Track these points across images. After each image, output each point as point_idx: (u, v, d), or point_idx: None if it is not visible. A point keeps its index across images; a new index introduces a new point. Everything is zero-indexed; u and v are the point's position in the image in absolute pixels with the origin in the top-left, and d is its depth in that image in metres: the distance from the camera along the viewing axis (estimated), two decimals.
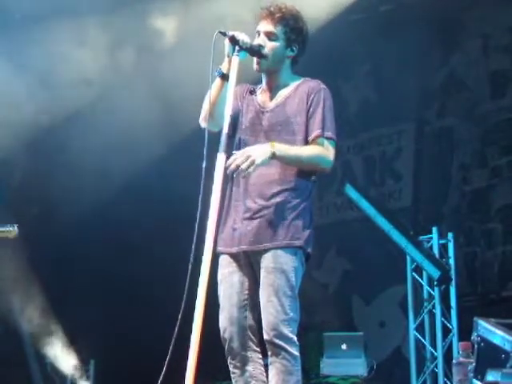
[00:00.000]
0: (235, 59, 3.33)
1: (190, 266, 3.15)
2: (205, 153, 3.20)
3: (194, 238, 3.16)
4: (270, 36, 3.50)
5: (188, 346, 2.99)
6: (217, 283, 3.47)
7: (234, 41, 3.33)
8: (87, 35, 6.47)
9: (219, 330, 3.48)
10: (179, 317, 3.14)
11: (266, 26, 3.51)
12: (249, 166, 3.23)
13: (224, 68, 3.41)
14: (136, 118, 6.68)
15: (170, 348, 3.18)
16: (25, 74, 6.31)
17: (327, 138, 3.45)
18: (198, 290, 3.02)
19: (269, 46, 3.49)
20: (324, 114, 3.47)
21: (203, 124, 3.47)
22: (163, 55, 6.69)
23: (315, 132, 3.45)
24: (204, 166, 3.18)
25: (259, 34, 3.51)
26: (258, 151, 3.30)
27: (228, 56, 3.37)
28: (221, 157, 3.17)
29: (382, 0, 7.84)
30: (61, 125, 6.71)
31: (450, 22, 7.78)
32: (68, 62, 6.47)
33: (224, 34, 3.33)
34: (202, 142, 3.25)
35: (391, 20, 7.76)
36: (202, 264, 3.05)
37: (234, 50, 3.34)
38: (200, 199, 3.16)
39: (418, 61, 7.96)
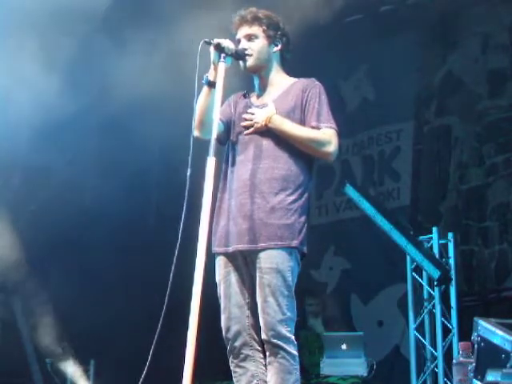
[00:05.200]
0: (221, 66, 3.42)
1: (172, 268, 3.20)
2: (189, 160, 3.25)
3: (178, 242, 3.21)
4: (249, 38, 3.61)
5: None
6: (212, 283, 3.49)
7: (219, 48, 3.42)
8: None
9: (218, 331, 3.50)
10: (160, 320, 3.18)
11: (242, 30, 3.63)
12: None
13: (211, 75, 3.47)
14: None
15: (151, 350, 3.22)
16: None
17: (325, 128, 3.50)
18: (193, 290, 3.03)
19: (251, 47, 3.56)
20: (319, 107, 3.54)
21: (196, 133, 3.53)
22: None
23: (311, 124, 3.50)
24: (189, 173, 3.22)
25: (239, 42, 3.59)
26: (261, 117, 3.50)
27: (214, 63, 3.42)
28: (211, 160, 3.21)
29: (381, 0, 7.86)
30: None
31: (449, 20, 7.78)
32: None
33: (209, 43, 3.39)
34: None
35: (391, 20, 7.77)
36: (197, 264, 3.06)
37: (219, 57, 3.40)
38: (185, 205, 3.21)
39: (417, 60, 7.97)
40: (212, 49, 3.43)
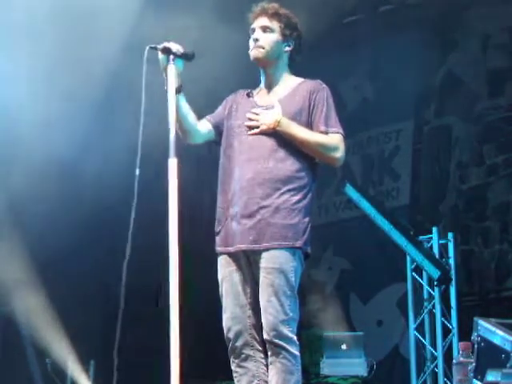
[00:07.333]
0: (171, 68, 3.29)
1: (124, 270, 3.18)
2: (138, 161, 3.15)
3: (128, 247, 3.20)
4: (265, 29, 3.58)
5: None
6: (214, 283, 3.49)
7: (166, 51, 3.30)
8: None
9: (219, 330, 3.50)
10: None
11: (260, 21, 3.60)
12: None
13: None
14: None
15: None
16: None
17: (333, 133, 3.49)
18: (170, 293, 2.94)
19: (265, 38, 3.55)
20: (327, 112, 3.52)
21: (185, 141, 3.51)
22: None
23: (320, 128, 3.49)
24: (137, 173, 3.16)
25: (254, 31, 3.56)
26: (268, 119, 3.45)
27: (164, 67, 3.32)
28: (172, 161, 3.09)
29: (381, 0, 7.86)
30: None
31: (449, 21, 7.79)
32: None
33: (155, 48, 3.31)
34: None
35: (390, 20, 7.77)
36: (170, 268, 2.97)
37: (167, 59, 3.30)
38: (134, 207, 3.19)
39: (417, 60, 7.96)
40: (160, 53, 3.32)
